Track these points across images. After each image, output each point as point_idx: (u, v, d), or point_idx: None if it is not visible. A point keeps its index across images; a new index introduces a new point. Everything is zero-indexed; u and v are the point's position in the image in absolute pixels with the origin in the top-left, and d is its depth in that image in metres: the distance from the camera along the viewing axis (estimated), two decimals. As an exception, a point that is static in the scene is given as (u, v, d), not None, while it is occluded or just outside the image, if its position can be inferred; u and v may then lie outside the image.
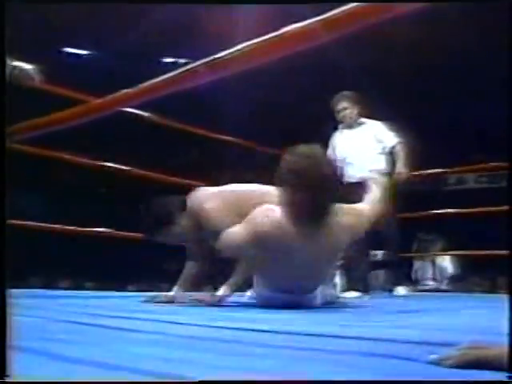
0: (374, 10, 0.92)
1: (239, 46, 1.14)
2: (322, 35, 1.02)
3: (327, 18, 1.00)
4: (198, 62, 1.24)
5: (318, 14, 1.03)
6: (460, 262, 7.30)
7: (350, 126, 4.25)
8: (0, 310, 0.97)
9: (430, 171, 6.07)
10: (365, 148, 4.15)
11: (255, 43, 1.13)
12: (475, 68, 8.93)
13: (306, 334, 1.29)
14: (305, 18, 1.03)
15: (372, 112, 4.30)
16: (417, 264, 7.44)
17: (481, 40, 8.27)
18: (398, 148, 4.13)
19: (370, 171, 3.97)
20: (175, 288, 2.95)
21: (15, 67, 2.65)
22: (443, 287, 7.16)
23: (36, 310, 2.07)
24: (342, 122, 4.27)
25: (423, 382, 0.85)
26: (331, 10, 1.02)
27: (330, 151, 4.23)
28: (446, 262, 7.21)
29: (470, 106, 9.67)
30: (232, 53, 1.16)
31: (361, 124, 4.24)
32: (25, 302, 2.43)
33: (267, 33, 1.12)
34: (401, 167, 4.08)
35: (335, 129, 4.38)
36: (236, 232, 2.31)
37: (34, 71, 2.72)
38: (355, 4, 0.98)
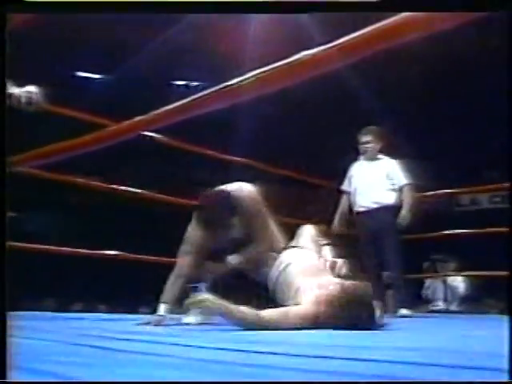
0: (389, 33, 0.91)
1: (251, 73, 1.14)
2: (336, 61, 1.02)
3: (342, 43, 0.99)
4: (211, 89, 1.24)
5: (331, 40, 1.03)
6: (473, 282, 7.22)
7: (368, 160, 4.43)
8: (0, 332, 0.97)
9: (443, 191, 6.04)
10: (376, 182, 4.36)
11: (269, 69, 1.12)
12: (489, 86, 8.92)
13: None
14: (318, 43, 1.03)
15: (393, 149, 4.47)
16: (428, 284, 7.37)
17: (496, 57, 8.27)
18: (406, 190, 4.26)
19: (376, 203, 4.17)
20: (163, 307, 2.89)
21: (21, 94, 2.68)
22: (454, 308, 7.07)
23: (45, 332, 2.07)
24: (362, 155, 4.46)
25: (423, 383, 0.84)
26: (343, 34, 1.02)
27: (346, 181, 4.53)
28: (458, 283, 7.14)
29: (484, 126, 9.64)
30: (244, 79, 1.16)
31: (378, 159, 4.42)
32: (35, 324, 2.44)
33: (280, 57, 1.12)
34: (405, 213, 4.19)
35: (355, 160, 4.59)
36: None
37: (39, 95, 2.76)
38: (369, 28, 0.97)
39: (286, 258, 2.74)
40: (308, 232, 2.97)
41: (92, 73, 11.14)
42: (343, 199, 4.50)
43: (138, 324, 2.84)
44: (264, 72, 1.11)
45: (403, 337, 2.37)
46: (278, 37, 7.30)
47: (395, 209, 4.24)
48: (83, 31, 8.80)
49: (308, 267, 2.62)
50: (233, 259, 2.90)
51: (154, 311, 3.01)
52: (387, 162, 4.40)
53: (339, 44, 0.98)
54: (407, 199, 4.25)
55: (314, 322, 2.29)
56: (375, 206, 4.28)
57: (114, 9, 1.21)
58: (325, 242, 2.96)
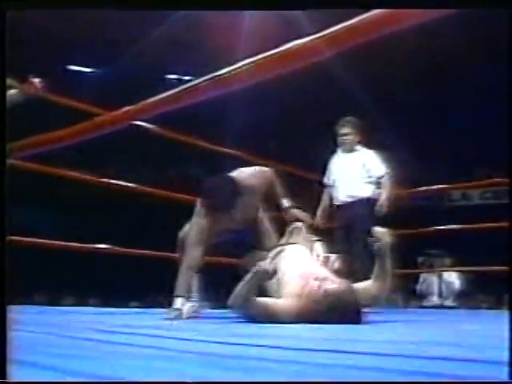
0: (376, 23, 0.92)
1: (242, 63, 1.14)
2: (325, 51, 1.02)
3: (330, 33, 1.00)
4: (201, 79, 1.24)
5: (320, 30, 1.04)
6: (465, 277, 7.26)
7: (346, 152, 4.36)
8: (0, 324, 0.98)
9: (434, 187, 6.07)
10: (352, 174, 4.26)
11: (258, 59, 1.13)
12: (480, 82, 8.95)
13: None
14: (306, 33, 1.03)
15: (371, 140, 4.42)
16: (423, 279, 7.39)
17: (485, 52, 8.29)
18: (385, 179, 4.21)
19: (352, 197, 4.12)
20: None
21: (21, 83, 2.73)
22: (448, 303, 7.10)
23: (38, 325, 2.07)
24: (340, 146, 4.38)
25: (423, 383, 0.84)
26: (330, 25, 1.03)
27: (326, 173, 4.46)
28: (453, 278, 7.16)
29: (473, 121, 9.68)
30: (234, 69, 1.16)
31: (356, 151, 4.34)
32: (27, 317, 2.43)
33: (269, 49, 1.12)
34: (383, 199, 4.13)
35: (333, 152, 4.50)
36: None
37: (39, 82, 2.83)
38: (356, 19, 0.98)
39: (278, 253, 2.76)
40: (299, 229, 3.01)
41: (86, 67, 11.12)
42: (325, 192, 4.44)
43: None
44: (255, 61, 1.11)
45: (391, 330, 2.38)
46: (270, 31, 7.29)
47: (371, 202, 4.15)
48: (77, 26, 8.78)
49: (299, 262, 2.64)
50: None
51: (151, 305, 3.00)
52: (364, 154, 4.30)
53: (328, 34, 0.99)
54: (386, 188, 4.17)
55: (296, 316, 2.30)
56: (351, 199, 4.19)
57: (112, 5, 1.21)
58: (315, 238, 2.97)
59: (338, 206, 4.31)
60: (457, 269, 7.14)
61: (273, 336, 1.80)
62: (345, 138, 4.29)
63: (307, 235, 2.98)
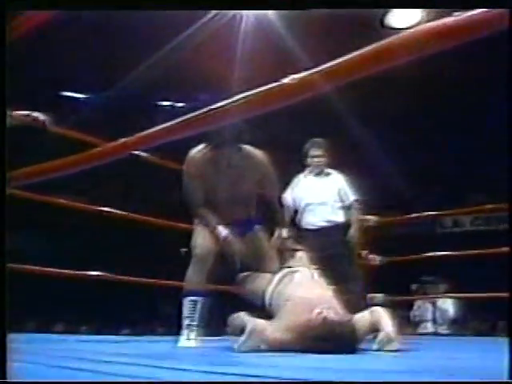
0: (374, 58, 0.93)
1: (238, 96, 1.15)
2: (323, 85, 1.03)
3: (327, 68, 1.01)
4: (197, 112, 1.24)
5: (316, 60, 1.05)
6: (459, 304, 7.25)
7: (316, 175, 4.26)
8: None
9: (426, 213, 6.08)
10: (328, 199, 4.20)
11: (254, 93, 1.13)
12: (470, 105, 9.03)
13: None
14: (304, 67, 1.04)
15: (341, 162, 4.35)
16: (417, 307, 7.38)
17: (475, 75, 8.38)
18: (354, 208, 4.18)
19: (329, 222, 4.07)
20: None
21: (26, 115, 2.74)
22: (442, 330, 7.09)
23: (26, 354, 2.04)
24: (310, 168, 4.27)
25: (423, 383, 0.83)
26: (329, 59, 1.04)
27: (288, 192, 4.27)
28: (447, 305, 7.15)
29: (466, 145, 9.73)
30: (231, 103, 1.17)
31: (327, 174, 4.26)
32: (16, 346, 2.39)
33: (262, 77, 1.13)
34: (352, 232, 4.10)
35: (297, 172, 4.38)
36: None
37: (44, 116, 2.85)
38: (354, 54, 0.99)
39: (282, 276, 2.80)
40: (299, 256, 3.06)
41: (80, 93, 11.16)
42: (287, 213, 4.15)
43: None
44: (250, 96, 1.12)
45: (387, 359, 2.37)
46: (265, 60, 7.36)
47: (345, 226, 4.12)
48: (72, 50, 8.82)
49: (305, 289, 2.64)
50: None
51: (136, 332, 3.01)
52: (337, 178, 4.23)
53: (326, 68, 1.00)
54: (354, 217, 4.13)
55: (280, 348, 2.29)
56: (327, 224, 4.12)
57: (114, 6, 1.22)
58: (315, 266, 2.98)
59: (309, 229, 4.18)
60: (451, 295, 7.13)
61: (253, 365, 1.79)
62: (316, 160, 4.19)
63: (308, 263, 3.00)
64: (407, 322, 7.50)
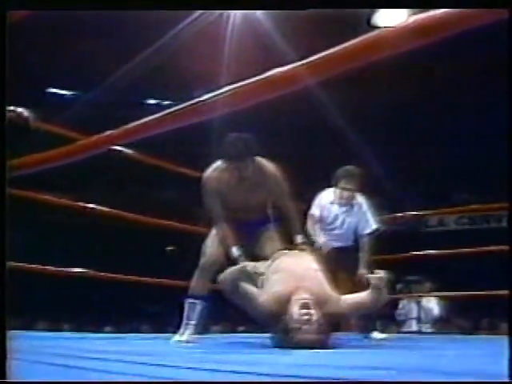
0: (361, 51, 0.93)
1: (224, 88, 1.15)
2: (308, 79, 1.03)
3: (312, 61, 1.00)
4: (183, 105, 1.24)
5: (303, 57, 1.05)
6: (444, 303, 7.30)
7: (343, 205, 4.15)
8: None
9: (412, 213, 6.11)
10: (347, 229, 4.14)
11: (240, 86, 1.13)
12: (464, 109, 9.10)
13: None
14: (290, 61, 1.04)
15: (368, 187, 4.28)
16: (402, 306, 7.43)
17: (463, 77, 8.43)
18: (370, 236, 4.11)
19: (340, 247, 4.06)
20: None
21: (11, 110, 2.72)
22: (426, 329, 7.13)
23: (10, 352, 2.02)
24: (338, 196, 4.14)
25: (423, 383, 0.84)
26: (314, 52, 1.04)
27: (316, 208, 4.19)
28: (432, 304, 7.20)
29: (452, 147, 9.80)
30: (217, 95, 1.16)
31: (354, 205, 4.14)
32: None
33: (248, 75, 1.13)
34: (362, 268, 4.00)
35: (323, 188, 4.28)
36: None
37: (28, 113, 2.84)
38: (338, 47, 0.99)
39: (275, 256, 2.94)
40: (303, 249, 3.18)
41: (66, 90, 11.10)
42: (316, 226, 4.11)
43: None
44: (236, 88, 1.12)
45: (366, 356, 2.38)
46: (251, 57, 7.36)
47: (355, 249, 4.11)
48: (55, 50, 8.77)
49: (294, 265, 2.76)
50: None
51: (121, 330, 3.04)
52: (361, 206, 4.13)
53: (310, 62, 0.99)
54: (365, 251, 4.08)
55: (268, 318, 2.52)
56: (339, 247, 4.08)
57: (113, 6, 1.21)
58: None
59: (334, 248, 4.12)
60: (436, 294, 7.19)
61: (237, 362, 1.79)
62: (347, 194, 4.06)
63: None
64: (392, 321, 7.54)
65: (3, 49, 1.14)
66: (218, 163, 3.19)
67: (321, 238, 4.07)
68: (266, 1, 1.22)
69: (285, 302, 2.47)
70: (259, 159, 3.16)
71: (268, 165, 3.22)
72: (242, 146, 3.02)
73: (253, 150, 3.08)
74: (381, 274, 2.66)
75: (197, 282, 3.21)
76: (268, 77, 1.05)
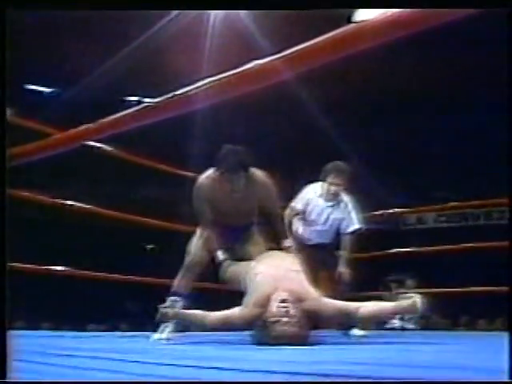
0: (337, 43, 0.93)
1: (202, 82, 1.14)
2: (286, 71, 1.02)
3: (290, 54, 1.00)
4: (162, 97, 1.23)
5: (280, 50, 1.04)
6: (426, 300, 7.36)
7: (329, 200, 4.12)
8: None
9: (390, 211, 6.15)
10: (331, 225, 4.13)
11: (218, 78, 1.13)
12: (443, 103, 9.15)
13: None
14: (267, 54, 1.03)
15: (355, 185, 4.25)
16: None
17: (453, 76, 8.48)
18: (353, 235, 4.10)
19: (323, 243, 4.08)
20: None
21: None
22: (409, 326, 7.19)
23: None
24: (324, 191, 4.11)
25: (423, 383, 0.83)
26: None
27: (300, 202, 4.16)
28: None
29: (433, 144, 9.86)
30: (196, 88, 1.16)
31: (339, 202, 4.12)
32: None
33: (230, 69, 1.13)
34: (342, 266, 4.04)
35: (310, 182, 4.25)
36: None
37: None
38: (315, 40, 0.98)
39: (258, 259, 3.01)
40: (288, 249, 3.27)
41: (45, 87, 10.99)
42: (294, 218, 4.10)
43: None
44: (215, 81, 1.11)
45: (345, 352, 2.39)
46: (231, 55, 7.33)
47: (336, 246, 4.12)
48: (37, 46, 8.68)
49: (277, 266, 2.82)
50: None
51: (104, 328, 3.04)
52: (346, 204, 4.11)
53: (289, 54, 0.99)
54: (346, 251, 4.08)
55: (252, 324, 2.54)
56: (321, 243, 4.12)
57: (112, 5, 1.20)
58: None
59: (311, 245, 4.16)
60: (418, 291, 7.24)
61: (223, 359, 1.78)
62: (334, 188, 4.03)
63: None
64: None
65: (3, 49, 1.13)
66: (212, 171, 3.22)
67: (299, 229, 4.15)
68: (253, 1, 1.21)
69: (265, 302, 2.51)
70: (252, 170, 3.18)
71: (260, 174, 3.25)
72: (236, 159, 3.06)
73: (246, 163, 3.10)
74: (415, 298, 2.77)
75: (180, 281, 3.26)
76: (247, 69, 1.05)
